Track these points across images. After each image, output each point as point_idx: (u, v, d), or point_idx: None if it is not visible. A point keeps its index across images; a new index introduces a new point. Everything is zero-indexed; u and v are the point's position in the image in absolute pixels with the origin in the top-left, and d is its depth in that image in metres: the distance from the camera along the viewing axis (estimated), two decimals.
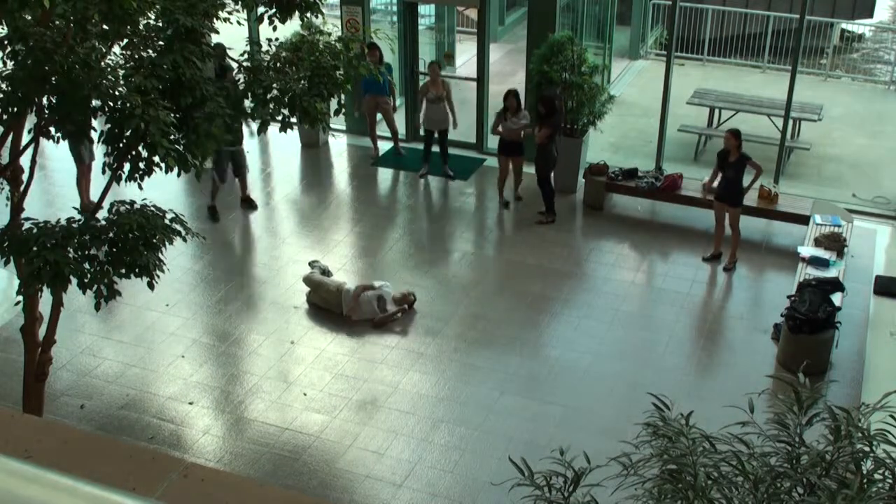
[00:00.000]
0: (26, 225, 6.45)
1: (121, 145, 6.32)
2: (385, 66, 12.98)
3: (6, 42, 5.93)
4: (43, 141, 6.74)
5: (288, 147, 13.92)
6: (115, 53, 6.76)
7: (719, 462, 3.12)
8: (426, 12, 15.96)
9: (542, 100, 11.59)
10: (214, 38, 7.15)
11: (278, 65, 7.32)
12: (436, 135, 12.98)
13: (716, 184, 11.05)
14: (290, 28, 7.95)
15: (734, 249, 11.00)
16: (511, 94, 11.75)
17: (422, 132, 13.25)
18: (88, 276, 6.34)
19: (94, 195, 7.13)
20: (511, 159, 12.13)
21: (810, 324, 8.85)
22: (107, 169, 6.54)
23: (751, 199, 11.59)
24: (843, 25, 19.22)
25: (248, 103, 7.21)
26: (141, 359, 9.29)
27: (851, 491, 2.88)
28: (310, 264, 10.59)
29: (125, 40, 6.62)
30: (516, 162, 12.19)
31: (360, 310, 9.88)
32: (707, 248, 11.36)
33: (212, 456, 8.03)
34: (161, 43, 6.49)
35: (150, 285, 6.67)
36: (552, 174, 11.87)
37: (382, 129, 13.93)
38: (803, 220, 11.11)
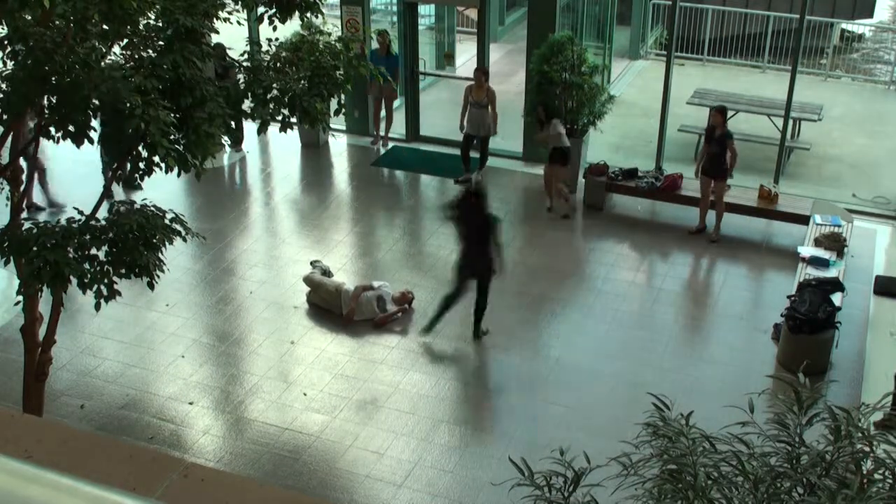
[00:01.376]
0: (26, 225, 6.45)
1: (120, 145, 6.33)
2: (393, 56, 13.43)
3: (6, 42, 5.94)
4: (43, 141, 6.74)
5: (288, 147, 13.92)
6: (115, 53, 6.76)
7: (719, 462, 3.12)
8: (426, 12, 15.97)
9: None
10: (214, 38, 7.14)
11: (278, 65, 7.33)
12: (475, 141, 12.92)
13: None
14: (290, 28, 7.95)
15: (718, 222, 11.41)
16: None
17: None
18: (88, 276, 6.34)
19: (93, 198, 7.12)
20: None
21: (810, 324, 8.85)
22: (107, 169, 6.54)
23: (751, 199, 11.62)
24: (843, 25, 19.22)
25: (247, 103, 7.21)
26: (141, 359, 9.29)
27: (851, 491, 2.88)
28: (311, 264, 10.59)
29: (125, 40, 6.62)
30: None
31: (360, 310, 9.88)
32: (706, 247, 11.38)
33: (212, 456, 8.02)
34: (161, 43, 6.49)
35: (150, 285, 6.67)
36: None
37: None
38: (803, 220, 11.11)
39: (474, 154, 13.09)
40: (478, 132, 12.83)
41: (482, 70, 12.84)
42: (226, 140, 7.76)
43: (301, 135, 13.83)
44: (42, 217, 9.40)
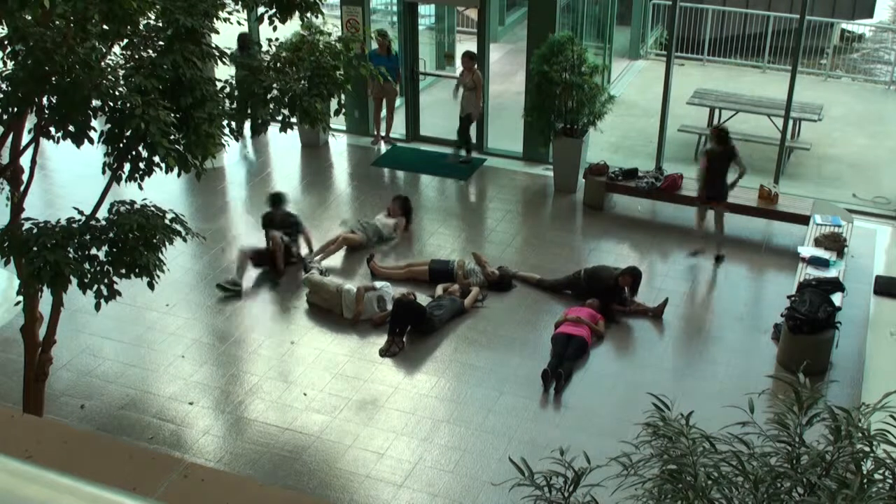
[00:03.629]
0: (26, 225, 6.45)
1: (121, 145, 6.32)
2: (394, 55, 13.55)
3: (6, 42, 5.93)
4: (43, 141, 6.75)
5: (288, 147, 13.92)
6: (115, 53, 6.76)
7: (719, 462, 3.12)
8: (426, 12, 15.97)
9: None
10: (214, 38, 7.12)
11: (278, 65, 7.32)
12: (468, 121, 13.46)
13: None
14: (290, 28, 7.95)
15: (721, 243, 11.10)
16: None
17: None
18: (88, 276, 6.34)
19: (93, 198, 7.12)
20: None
21: (810, 324, 8.85)
22: (107, 169, 6.54)
23: (751, 199, 11.62)
24: (843, 25, 19.21)
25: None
26: (141, 359, 9.29)
27: (851, 491, 2.88)
28: (305, 266, 10.61)
29: (125, 40, 6.62)
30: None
31: (363, 310, 9.89)
32: (706, 248, 11.37)
33: (212, 456, 8.02)
34: (161, 43, 6.49)
35: (151, 285, 6.67)
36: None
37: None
38: (803, 220, 11.11)
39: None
40: (462, 112, 13.36)
41: (468, 55, 13.20)
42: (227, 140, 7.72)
43: (301, 135, 13.83)
44: None
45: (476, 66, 13.08)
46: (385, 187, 13.28)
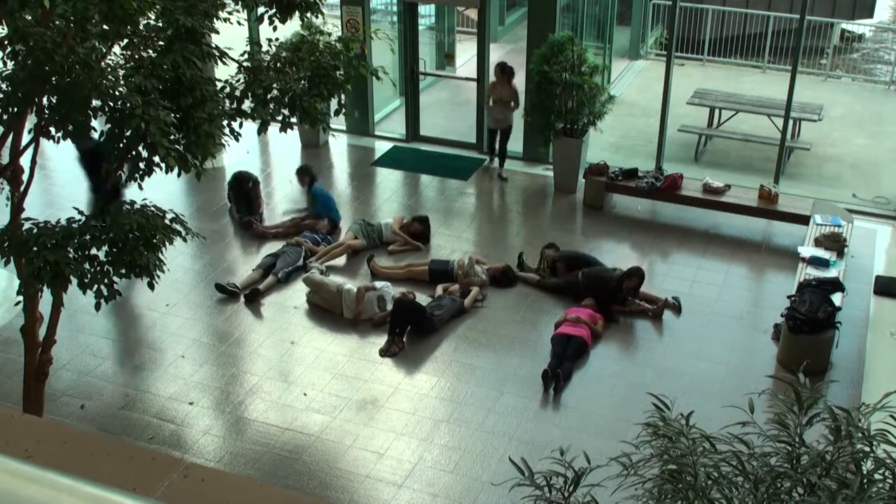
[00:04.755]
0: (26, 225, 6.45)
1: (121, 145, 6.32)
2: (317, 188, 11.99)
3: (6, 42, 5.93)
4: (43, 141, 6.75)
5: (288, 147, 13.92)
6: (115, 53, 6.76)
7: (719, 462, 3.12)
8: (426, 12, 15.96)
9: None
10: (214, 38, 7.13)
11: (278, 65, 7.32)
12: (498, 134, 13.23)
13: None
14: (290, 28, 7.95)
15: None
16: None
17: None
18: (88, 276, 6.34)
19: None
20: None
21: (810, 324, 8.85)
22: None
23: (751, 199, 11.63)
24: (843, 25, 19.21)
25: (248, 103, 7.21)
26: (141, 359, 9.29)
27: (851, 491, 2.88)
28: (306, 266, 10.62)
29: (125, 40, 6.62)
30: None
31: (364, 310, 9.90)
32: (706, 247, 11.37)
33: (212, 456, 8.02)
34: (161, 43, 6.49)
35: (151, 285, 6.67)
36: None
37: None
38: (803, 220, 11.11)
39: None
40: (497, 126, 13.13)
41: (510, 71, 12.91)
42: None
43: (301, 135, 13.83)
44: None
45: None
46: (385, 187, 13.27)
